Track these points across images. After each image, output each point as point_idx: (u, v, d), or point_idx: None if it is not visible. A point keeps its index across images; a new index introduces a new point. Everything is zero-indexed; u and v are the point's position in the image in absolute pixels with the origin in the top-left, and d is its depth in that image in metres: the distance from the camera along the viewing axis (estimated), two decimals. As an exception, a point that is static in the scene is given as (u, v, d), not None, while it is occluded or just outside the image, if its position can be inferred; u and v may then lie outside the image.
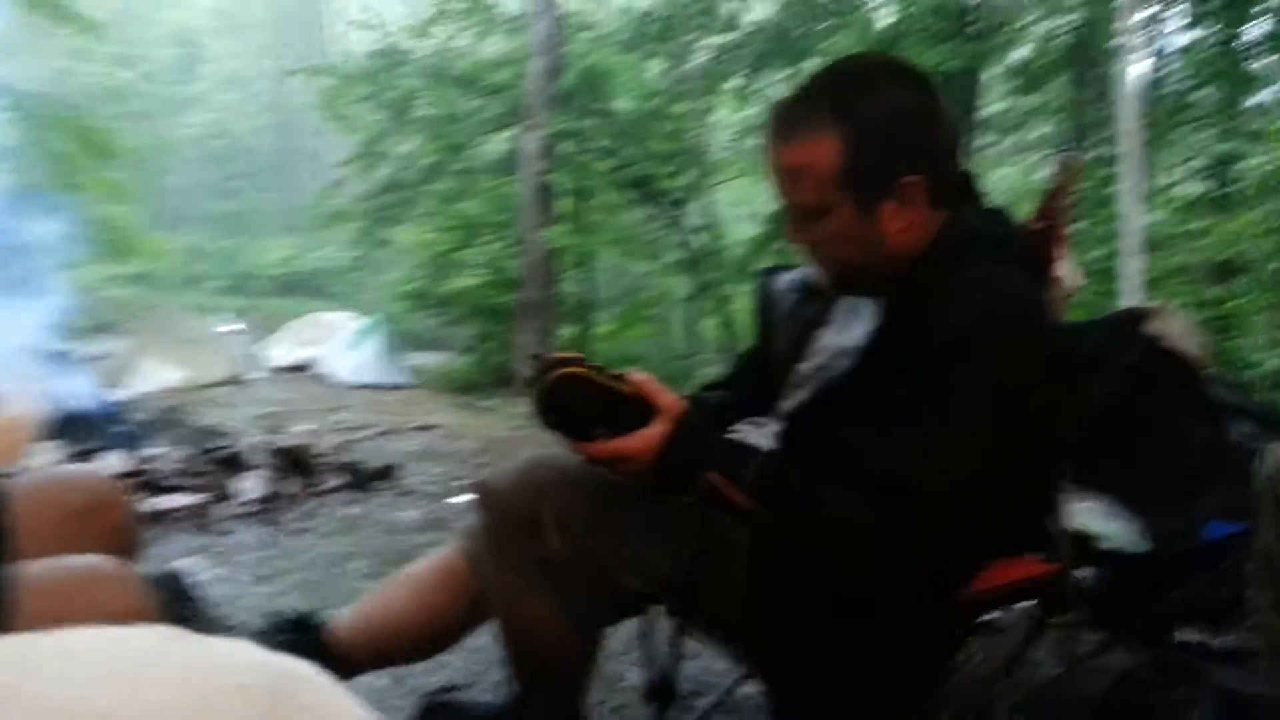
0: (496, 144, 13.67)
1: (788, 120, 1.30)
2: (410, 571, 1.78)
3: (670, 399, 1.34)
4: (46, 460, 3.84)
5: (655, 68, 12.88)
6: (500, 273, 11.79)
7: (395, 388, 11.25)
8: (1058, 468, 1.50)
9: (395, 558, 3.37)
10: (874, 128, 1.27)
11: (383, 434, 7.24)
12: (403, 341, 14.07)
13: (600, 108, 11.87)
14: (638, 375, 1.36)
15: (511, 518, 1.46)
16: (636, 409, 1.32)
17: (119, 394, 7.57)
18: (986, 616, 1.58)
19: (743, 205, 14.16)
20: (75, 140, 8.85)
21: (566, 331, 12.60)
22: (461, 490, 4.82)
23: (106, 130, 10.75)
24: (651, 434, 1.30)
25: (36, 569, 0.96)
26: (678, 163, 11.53)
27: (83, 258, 9.98)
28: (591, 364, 1.33)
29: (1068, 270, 1.50)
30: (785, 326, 1.57)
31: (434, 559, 1.76)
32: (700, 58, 12.42)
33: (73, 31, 12.26)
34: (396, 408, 9.36)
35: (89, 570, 1.01)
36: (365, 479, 4.68)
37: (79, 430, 4.20)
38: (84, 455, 3.97)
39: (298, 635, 1.65)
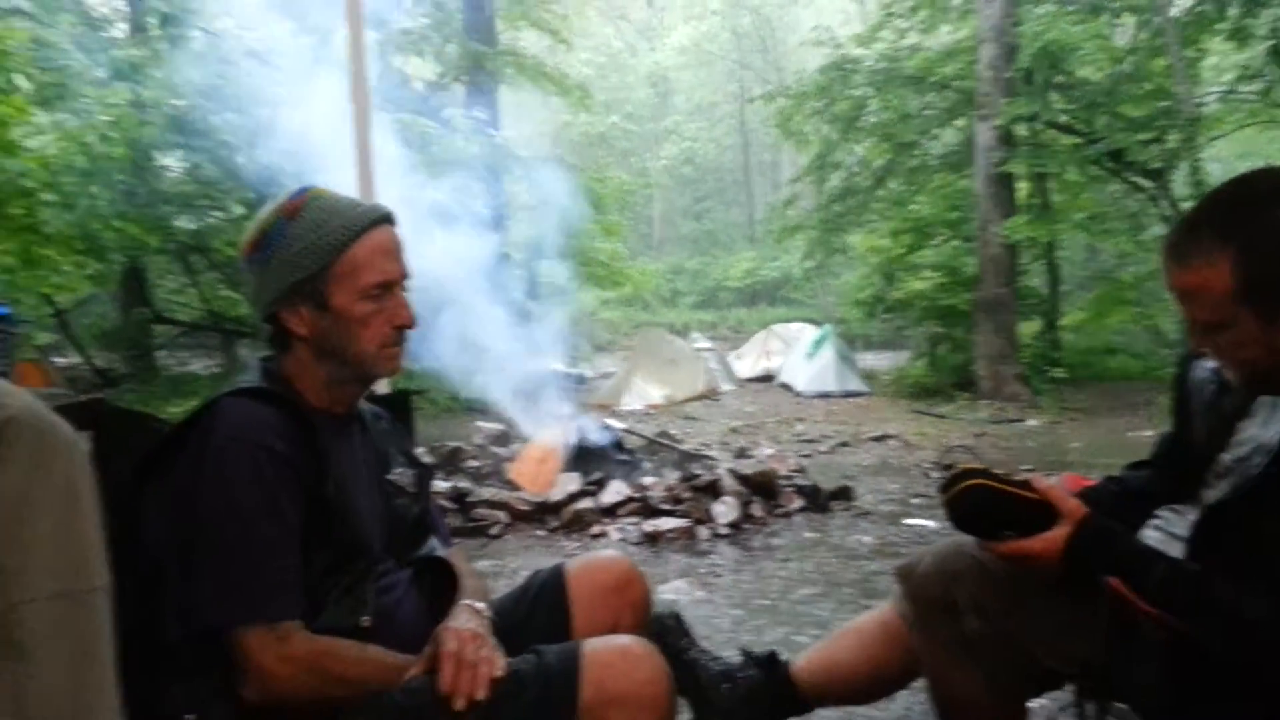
0: (948, 139, 13.43)
1: (1180, 245, 1.35)
2: (857, 624, 2.03)
3: (1073, 504, 1.45)
4: (568, 488, 4.69)
5: (1124, 25, 11.78)
6: (955, 272, 11.54)
7: (851, 395, 11.57)
8: None
9: (847, 585, 3.65)
10: (1265, 246, 1.28)
11: (840, 446, 7.58)
12: (857, 348, 14.39)
13: (1062, 82, 11.14)
14: (1042, 481, 1.49)
15: (930, 600, 1.66)
16: (1041, 512, 1.46)
17: (617, 413, 8.81)
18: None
19: (1247, 158, 12.37)
20: (577, 192, 10.46)
21: (1028, 327, 11.96)
22: (917, 511, 4.97)
23: (601, 179, 12.48)
24: (1055, 536, 1.43)
25: (591, 646, 1.35)
26: (1157, 127, 10.41)
27: (582, 288, 11.69)
28: (997, 473, 1.49)
29: None
30: (1205, 416, 1.57)
31: (876, 614, 1.99)
32: (1180, 4, 11.04)
33: (571, 100, 14.37)
34: (852, 417, 9.67)
35: (628, 649, 1.33)
36: (824, 500, 5.01)
37: (589, 460, 5.05)
38: (595, 483, 4.77)
39: (765, 672, 1.97)
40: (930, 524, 4.62)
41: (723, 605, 3.39)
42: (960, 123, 12.71)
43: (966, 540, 1.60)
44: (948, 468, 5.99)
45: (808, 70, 14.47)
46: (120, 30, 9.86)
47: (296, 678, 1.22)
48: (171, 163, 8.28)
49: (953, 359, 11.73)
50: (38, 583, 0.81)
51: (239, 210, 8.35)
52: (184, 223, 8.65)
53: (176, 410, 6.90)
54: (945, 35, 13.04)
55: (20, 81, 7.40)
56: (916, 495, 5.42)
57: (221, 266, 9.48)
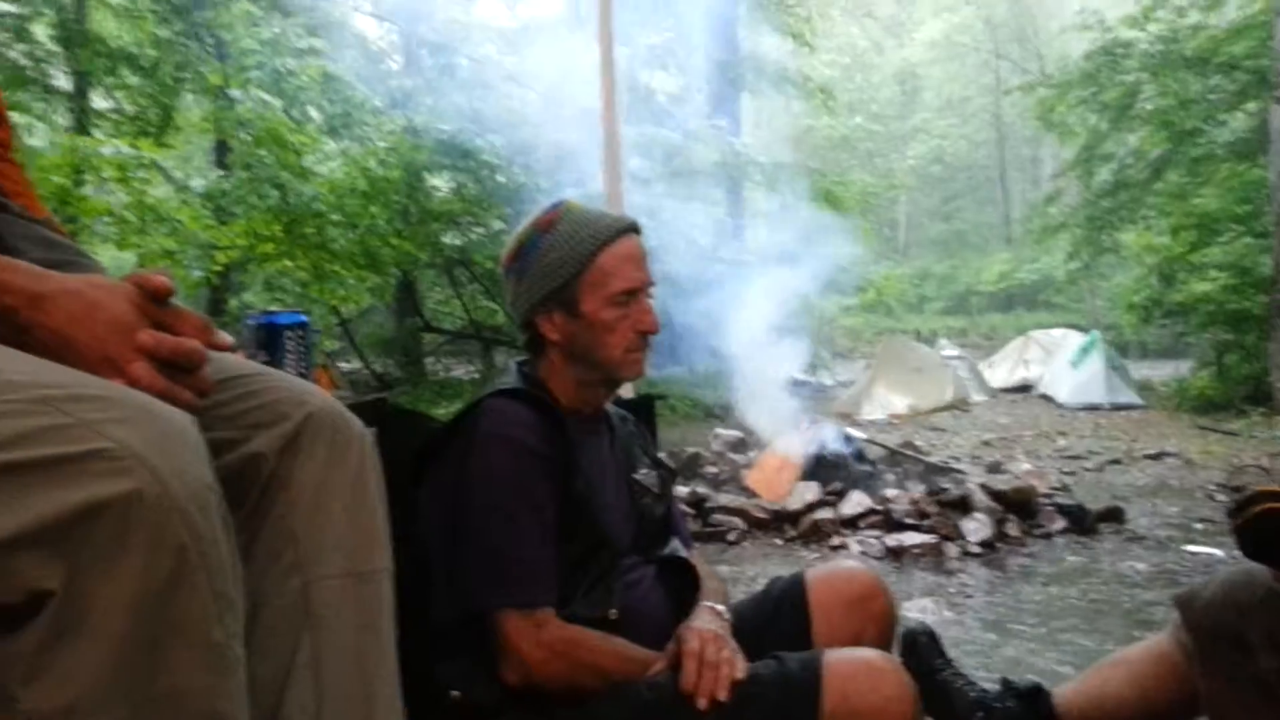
0: (1237, 124, 12.05)
1: None
2: (1126, 654, 1.86)
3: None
4: (806, 498, 4.63)
5: None
6: (1246, 273, 10.32)
7: (1122, 408, 10.63)
8: None
9: (1116, 614, 3.34)
10: None
11: (1110, 463, 6.98)
12: (1129, 356, 13.19)
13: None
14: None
15: (1216, 633, 1.49)
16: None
17: (858, 423, 8.59)
18: None
19: None
20: (817, 199, 10.32)
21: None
22: (1200, 538, 4.48)
23: (843, 183, 12.25)
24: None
25: (834, 656, 1.33)
26: None
27: (823, 295, 11.52)
28: None
29: None
30: None
31: (1149, 644, 1.81)
32: None
33: (816, 102, 14.22)
34: (1124, 432, 8.87)
35: (872, 663, 1.28)
36: (1090, 521, 4.64)
37: (828, 469, 4.95)
38: (834, 495, 4.68)
39: (1026, 705, 1.85)
40: (1216, 552, 4.16)
41: (974, 628, 3.22)
42: (1251, 106, 11.37)
43: (1260, 570, 1.43)
44: (1238, 490, 5.38)
45: (1071, 57, 13.50)
46: (395, 62, 10.84)
47: (549, 663, 1.29)
48: (439, 183, 8.98)
49: (1243, 369, 10.49)
50: (332, 562, 0.91)
51: (498, 225, 8.93)
52: (450, 238, 9.36)
53: (443, 411, 7.48)
54: (1233, 11, 11.74)
55: (313, 113, 8.32)
56: (1200, 520, 4.89)
57: (482, 279, 10.16)
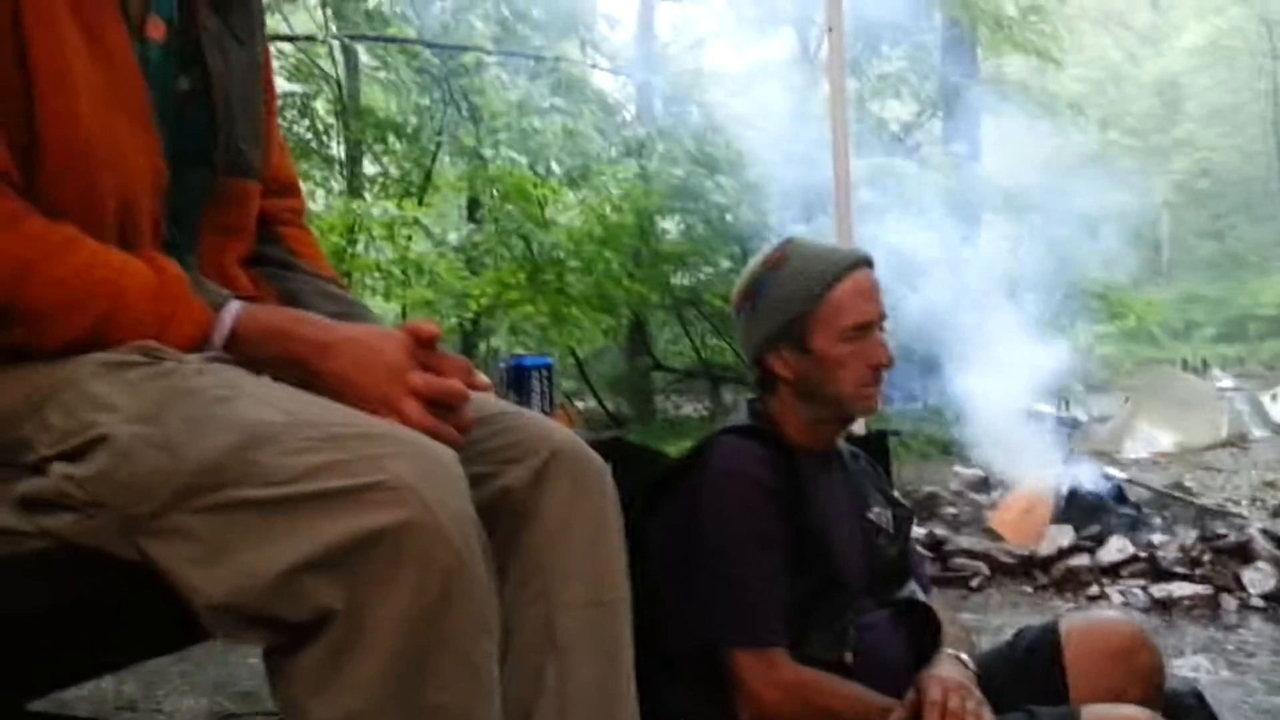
0: None
1: None
2: None
3: None
4: (1059, 542, 4.31)
5: None
6: None
7: None
8: None
9: None
10: None
11: None
12: None
13: None
14: None
15: None
16: None
17: (1117, 460, 7.92)
18: None
19: None
20: (1065, 222, 9.70)
21: None
22: None
23: (1094, 204, 11.45)
24: None
25: (1093, 714, 1.23)
26: None
27: (1075, 322, 10.75)
28: None
29: None
30: None
31: None
32: None
33: (1062, 120, 13.42)
34: None
35: None
36: (1407, 578, 4.01)
37: (1084, 512, 4.58)
38: (1091, 539, 4.32)
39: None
40: None
41: (1257, 690, 2.87)
42: None
43: None
44: None
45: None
46: (629, 112, 11.30)
47: (783, 704, 1.28)
48: (669, 226, 9.24)
49: None
50: (574, 590, 0.96)
51: (726, 265, 9.04)
52: (680, 279, 9.58)
53: (673, 448, 7.63)
54: None
55: (554, 167, 8.84)
56: None
57: (710, 317, 10.30)
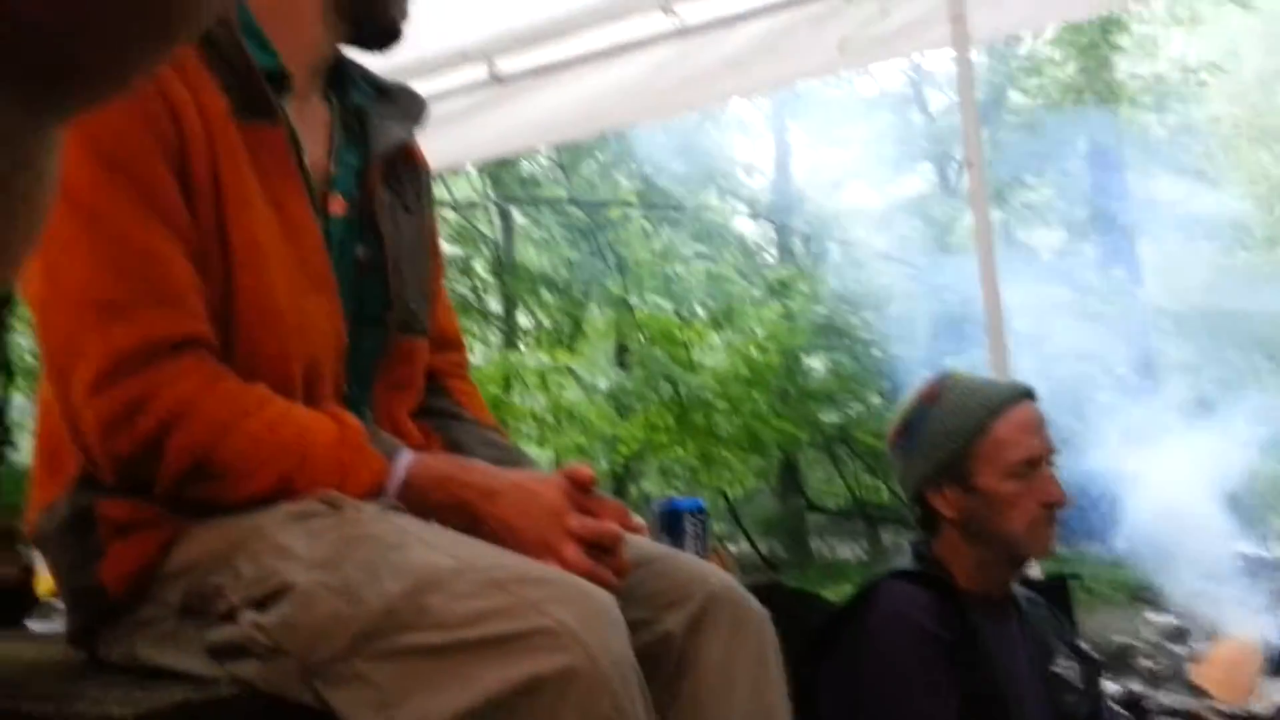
0: None
1: None
2: None
3: None
4: (1277, 699, 3.85)
5: None
6: None
7: None
8: None
9: None
10: None
11: None
12: None
13: None
14: None
15: None
16: None
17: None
18: None
19: None
20: (1241, 344, 9.10)
21: None
22: None
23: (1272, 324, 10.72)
24: None
25: None
26: None
27: (1273, 453, 9.88)
28: None
29: None
30: None
31: None
32: None
33: (1228, 239, 12.81)
34: None
35: None
36: None
37: (1305, 664, 4.09)
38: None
39: None
40: None
41: None
42: None
43: None
44: None
45: None
46: (771, 255, 11.50)
47: None
48: (815, 363, 9.19)
49: None
50: None
51: (876, 401, 8.87)
52: (829, 416, 9.44)
53: (832, 593, 7.33)
54: None
55: (699, 310, 9.03)
56: None
57: (863, 455, 10.05)
